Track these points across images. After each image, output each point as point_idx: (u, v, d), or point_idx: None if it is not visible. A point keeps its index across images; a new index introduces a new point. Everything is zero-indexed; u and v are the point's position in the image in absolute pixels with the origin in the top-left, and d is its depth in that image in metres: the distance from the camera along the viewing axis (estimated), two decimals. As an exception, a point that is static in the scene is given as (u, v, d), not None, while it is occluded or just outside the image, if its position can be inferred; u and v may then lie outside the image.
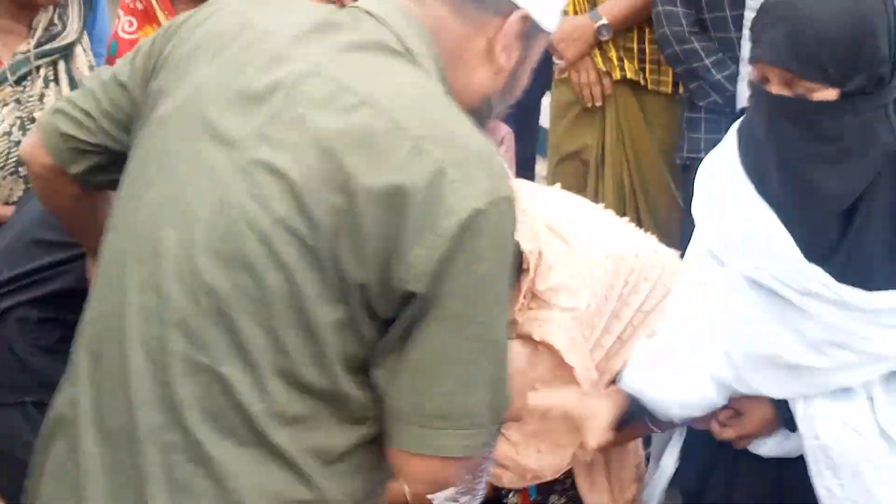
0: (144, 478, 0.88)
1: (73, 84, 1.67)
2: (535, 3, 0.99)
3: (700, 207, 1.44)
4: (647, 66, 2.17)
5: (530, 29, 0.98)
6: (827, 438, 1.37)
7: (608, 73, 2.16)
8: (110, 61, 1.90)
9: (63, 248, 1.39)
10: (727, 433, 1.49)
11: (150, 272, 0.86)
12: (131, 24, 1.83)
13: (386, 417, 0.93)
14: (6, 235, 1.48)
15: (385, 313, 0.85)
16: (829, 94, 1.29)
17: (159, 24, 1.82)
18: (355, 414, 0.93)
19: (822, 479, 1.38)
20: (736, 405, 1.48)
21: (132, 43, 1.85)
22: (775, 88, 1.29)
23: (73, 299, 1.25)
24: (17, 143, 1.61)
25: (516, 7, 0.96)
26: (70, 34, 1.69)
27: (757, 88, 1.36)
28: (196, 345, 0.86)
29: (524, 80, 1.06)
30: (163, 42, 0.96)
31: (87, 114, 1.00)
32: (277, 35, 0.90)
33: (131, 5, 1.83)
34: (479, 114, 1.01)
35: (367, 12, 0.90)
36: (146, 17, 1.83)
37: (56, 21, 1.68)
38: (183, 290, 0.84)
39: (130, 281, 0.88)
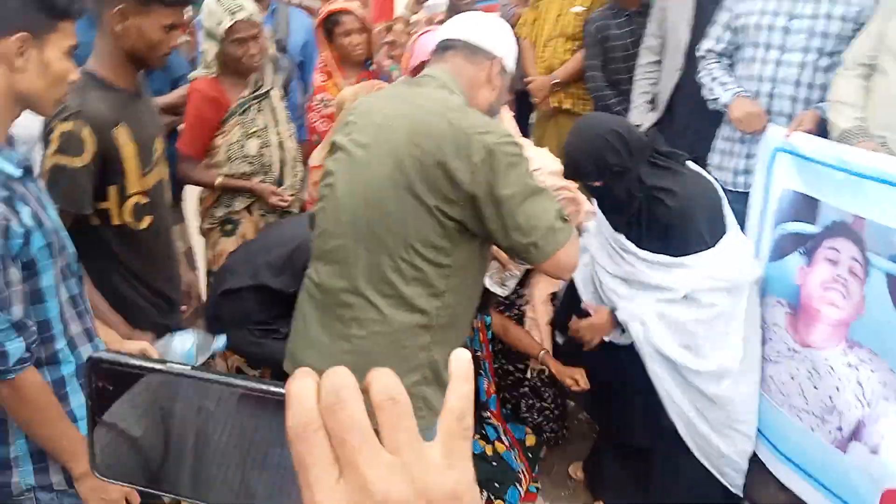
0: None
1: (272, 113, 2.64)
2: (504, 54, 1.67)
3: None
4: (577, 102, 3.50)
5: (502, 69, 1.67)
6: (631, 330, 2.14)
7: (558, 105, 3.46)
8: (310, 98, 2.95)
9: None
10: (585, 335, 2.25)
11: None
12: (322, 79, 2.86)
13: (522, 254, 1.52)
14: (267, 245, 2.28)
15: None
16: (598, 182, 2.08)
17: (334, 78, 2.84)
18: (446, 270, 1.53)
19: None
20: (589, 309, 2.24)
21: (321, 89, 2.91)
22: None
23: None
24: (243, 145, 2.57)
25: (496, 56, 1.65)
26: (267, 85, 2.63)
27: None
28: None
29: (503, 98, 1.73)
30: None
31: None
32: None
33: (323, 69, 2.87)
34: (489, 114, 1.66)
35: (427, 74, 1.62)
36: (331, 76, 2.85)
37: (259, 79, 2.61)
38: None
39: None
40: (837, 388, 2.09)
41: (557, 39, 3.60)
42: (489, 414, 2.50)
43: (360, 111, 1.66)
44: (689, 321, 2.09)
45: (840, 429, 2.10)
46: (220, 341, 1.79)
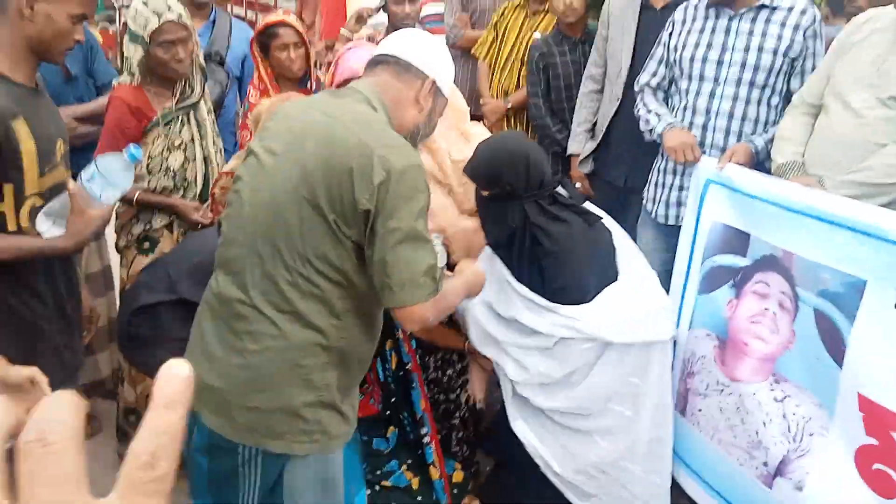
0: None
1: (199, 125, 2.53)
2: (439, 75, 1.61)
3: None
4: (531, 129, 3.52)
5: (436, 91, 1.61)
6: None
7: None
8: (245, 115, 2.82)
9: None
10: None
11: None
12: (256, 97, 2.74)
13: (380, 290, 1.46)
14: (190, 253, 2.11)
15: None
16: (486, 190, 2.08)
17: (269, 96, 2.72)
18: (345, 291, 1.48)
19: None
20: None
21: (256, 106, 2.73)
22: None
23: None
24: (166, 158, 2.45)
25: (428, 76, 1.59)
26: (195, 96, 2.51)
27: None
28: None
29: (435, 122, 1.66)
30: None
31: None
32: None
33: (258, 85, 2.77)
34: (413, 138, 1.60)
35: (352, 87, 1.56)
36: (265, 92, 2.75)
37: (188, 88, 2.50)
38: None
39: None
40: (764, 423, 2.07)
41: (515, 63, 3.58)
42: (425, 433, 2.39)
43: (277, 118, 1.62)
44: (552, 371, 2.07)
45: (766, 464, 2.08)
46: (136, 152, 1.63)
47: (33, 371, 1.48)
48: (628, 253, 2.21)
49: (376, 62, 1.65)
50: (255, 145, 1.58)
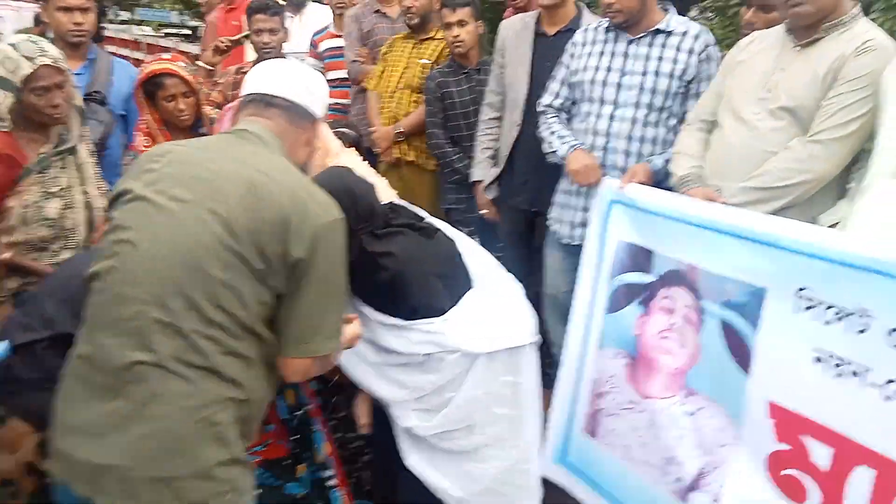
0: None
1: (79, 169, 2.39)
2: (322, 113, 1.70)
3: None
4: (421, 155, 3.51)
5: (318, 130, 1.72)
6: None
7: (402, 156, 3.47)
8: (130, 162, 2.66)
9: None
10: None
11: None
12: (146, 143, 2.62)
13: (281, 338, 1.46)
14: (61, 282, 1.95)
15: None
16: None
17: (157, 141, 2.61)
18: (261, 340, 1.46)
19: None
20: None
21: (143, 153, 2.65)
22: None
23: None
24: (42, 207, 2.29)
25: (318, 119, 1.69)
26: (73, 140, 2.38)
27: None
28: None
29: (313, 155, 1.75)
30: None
31: None
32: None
33: (143, 129, 2.65)
34: (303, 171, 1.65)
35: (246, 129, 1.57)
36: (150, 135, 2.63)
37: (64, 132, 2.36)
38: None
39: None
40: (678, 438, 2.07)
41: (403, 91, 3.59)
42: (332, 476, 2.30)
43: (171, 160, 1.53)
44: (424, 385, 2.05)
45: (680, 479, 2.07)
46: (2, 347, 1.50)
47: None
48: (481, 261, 2.21)
49: (267, 103, 1.62)
50: (144, 190, 1.49)
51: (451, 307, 2.04)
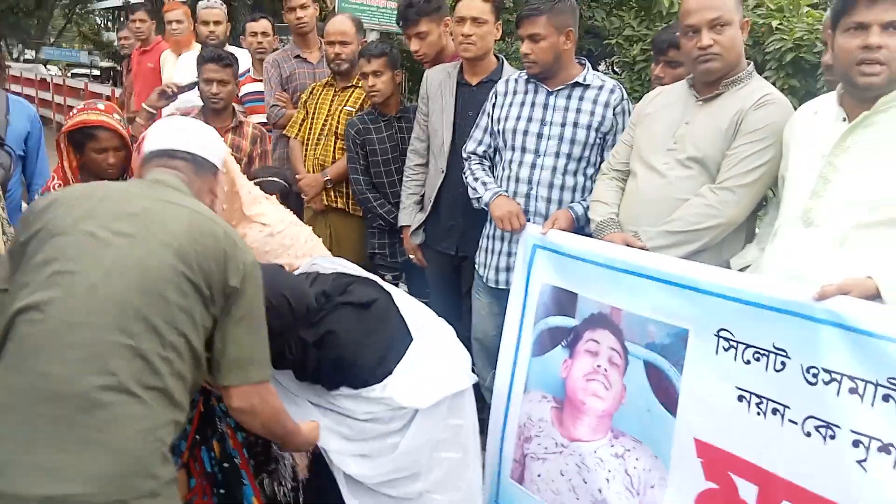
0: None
1: None
2: (221, 163, 1.84)
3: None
4: (350, 201, 3.46)
5: (219, 180, 1.85)
6: None
7: (331, 203, 3.45)
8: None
9: None
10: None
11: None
12: (60, 185, 2.49)
13: (220, 368, 1.57)
14: None
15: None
16: None
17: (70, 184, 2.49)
18: (198, 365, 1.54)
19: None
20: None
21: None
22: None
23: None
24: None
25: (219, 170, 1.83)
26: None
27: None
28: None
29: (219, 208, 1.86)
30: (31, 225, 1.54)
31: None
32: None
33: (60, 173, 2.53)
34: None
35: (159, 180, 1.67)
36: (66, 181, 2.51)
37: None
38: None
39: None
40: (607, 480, 2.06)
41: (329, 137, 3.55)
42: None
43: (90, 203, 1.57)
44: (366, 430, 2.01)
45: (612, 523, 2.04)
46: None
47: None
48: (414, 310, 2.20)
49: (171, 156, 1.74)
50: (82, 226, 1.52)
51: (395, 365, 2.01)
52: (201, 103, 3.45)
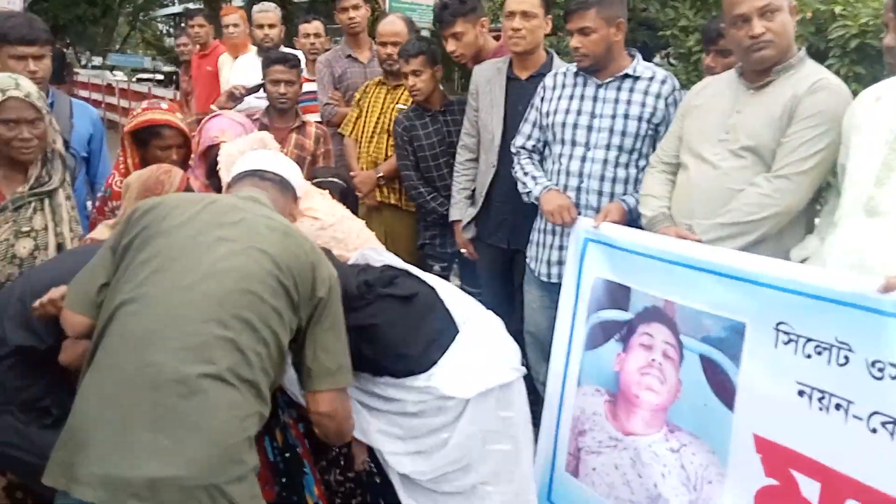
0: None
1: (54, 212, 2.31)
2: (298, 193, 2.03)
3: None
4: (402, 197, 3.47)
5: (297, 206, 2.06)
6: None
7: (384, 199, 3.48)
8: (104, 200, 2.65)
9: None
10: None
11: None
12: (120, 181, 2.50)
13: (311, 374, 1.67)
14: (11, 301, 1.94)
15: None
16: None
17: None
18: (280, 363, 1.65)
19: None
20: None
21: (118, 195, 2.58)
22: None
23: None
24: (13, 245, 2.22)
25: (297, 195, 2.01)
26: (54, 183, 2.32)
27: None
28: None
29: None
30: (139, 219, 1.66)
31: (102, 282, 1.65)
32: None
33: (121, 170, 2.61)
34: None
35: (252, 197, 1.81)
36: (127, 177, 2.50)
37: (44, 174, 2.29)
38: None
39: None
40: (663, 475, 2.02)
41: (381, 135, 3.58)
42: None
43: (202, 209, 1.70)
44: (418, 427, 2.00)
45: (667, 517, 2.01)
46: None
47: None
48: (462, 303, 2.17)
49: (262, 177, 1.93)
50: (183, 231, 1.64)
51: (440, 356, 2.00)
52: (262, 105, 3.52)
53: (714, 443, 1.92)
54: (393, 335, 1.99)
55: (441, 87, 3.44)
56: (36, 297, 1.82)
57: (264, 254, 1.62)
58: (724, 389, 1.91)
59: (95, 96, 15.84)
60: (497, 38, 3.42)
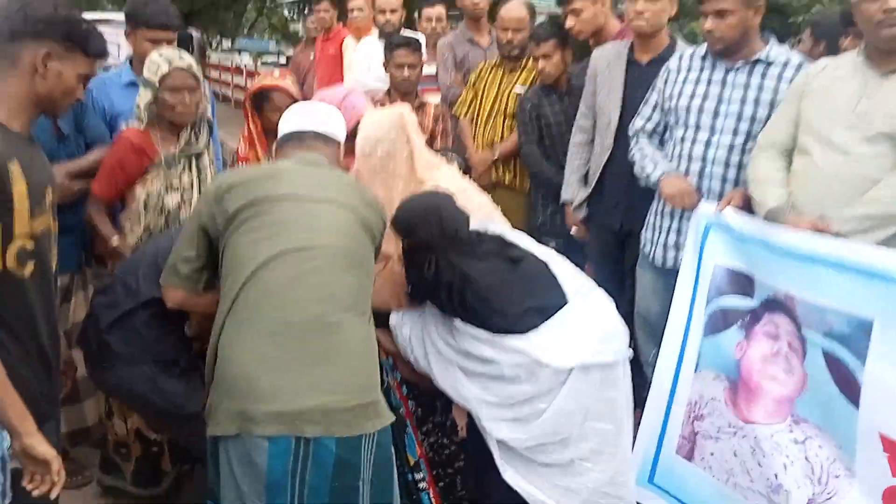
0: None
1: (200, 172, 2.45)
2: (341, 139, 2.05)
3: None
4: (517, 178, 3.43)
5: (340, 151, 2.07)
6: None
7: (498, 179, 3.46)
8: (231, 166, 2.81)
9: None
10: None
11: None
12: (245, 148, 2.77)
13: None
14: (145, 258, 2.12)
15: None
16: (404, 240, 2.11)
17: (256, 149, 2.73)
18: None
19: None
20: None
21: (244, 158, 2.81)
22: None
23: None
24: (163, 198, 2.38)
25: (339, 142, 2.04)
26: (201, 146, 2.48)
27: None
28: None
29: None
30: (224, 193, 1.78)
31: (191, 257, 1.82)
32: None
33: (248, 139, 2.77)
34: None
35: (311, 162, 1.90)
36: (251, 143, 2.75)
37: (192, 138, 2.45)
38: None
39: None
40: (784, 466, 1.91)
41: (497, 117, 3.56)
42: (421, 478, 2.22)
43: (292, 177, 1.85)
44: (514, 394, 1.98)
45: (787, 508, 1.90)
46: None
47: (54, 457, 1.47)
48: (576, 278, 2.14)
49: (298, 138, 1.98)
50: (295, 194, 1.80)
51: (541, 322, 1.96)
52: (383, 87, 3.56)
53: (841, 438, 1.80)
54: (493, 290, 1.99)
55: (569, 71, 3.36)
56: (164, 258, 1.94)
57: (354, 209, 1.83)
58: (848, 386, 1.79)
59: (225, 77, 16.56)
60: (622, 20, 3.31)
